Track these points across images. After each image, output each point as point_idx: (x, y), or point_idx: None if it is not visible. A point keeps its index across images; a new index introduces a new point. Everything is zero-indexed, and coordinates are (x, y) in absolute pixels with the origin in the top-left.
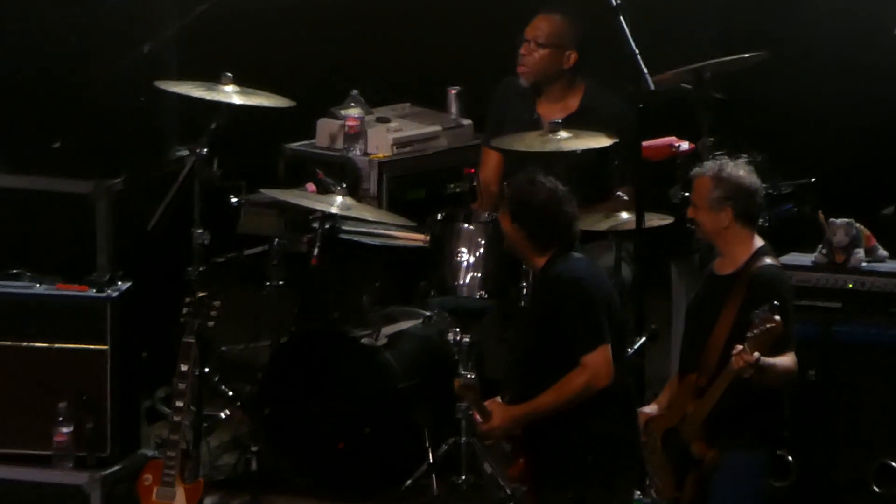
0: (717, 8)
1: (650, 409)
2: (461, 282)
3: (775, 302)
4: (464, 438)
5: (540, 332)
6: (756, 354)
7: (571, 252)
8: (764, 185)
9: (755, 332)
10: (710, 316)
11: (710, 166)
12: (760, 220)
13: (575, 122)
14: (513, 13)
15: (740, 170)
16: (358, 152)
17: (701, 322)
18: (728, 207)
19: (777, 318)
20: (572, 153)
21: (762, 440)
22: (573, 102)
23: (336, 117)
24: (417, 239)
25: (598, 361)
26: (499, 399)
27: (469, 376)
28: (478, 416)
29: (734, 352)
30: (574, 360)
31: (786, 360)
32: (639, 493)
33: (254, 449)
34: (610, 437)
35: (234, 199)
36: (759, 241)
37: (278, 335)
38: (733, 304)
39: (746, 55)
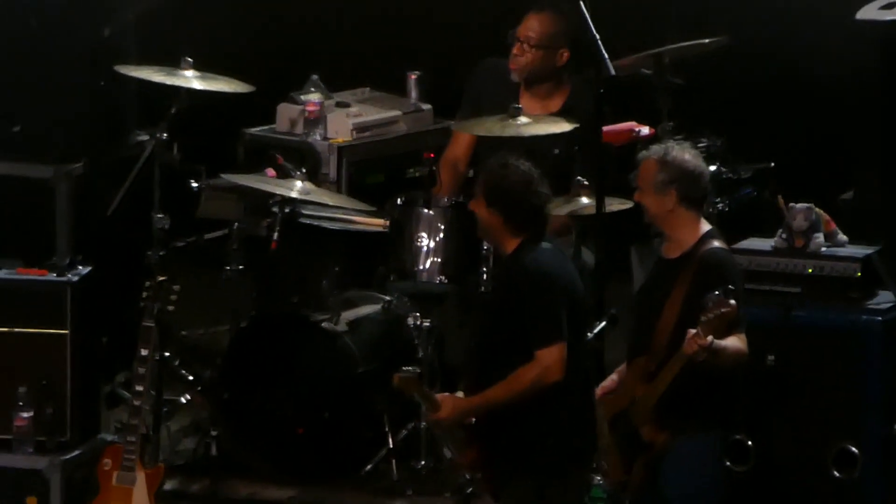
0: None
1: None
2: (421, 266)
3: (730, 286)
4: (423, 423)
5: (499, 321)
6: (710, 338)
7: (541, 242)
8: (723, 170)
9: (709, 315)
10: (658, 299)
11: (655, 149)
12: (720, 205)
13: None
14: None
15: (686, 153)
16: (318, 137)
17: (649, 306)
18: (672, 190)
19: (732, 302)
20: (550, 147)
21: (714, 424)
22: (556, 102)
23: (296, 102)
24: (377, 224)
25: (551, 358)
26: (459, 393)
27: (408, 370)
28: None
29: (688, 335)
30: (529, 352)
31: (736, 341)
32: (599, 478)
33: (213, 433)
34: (568, 423)
35: (194, 184)
36: (706, 225)
37: (238, 319)
38: (681, 288)
39: (706, 40)
